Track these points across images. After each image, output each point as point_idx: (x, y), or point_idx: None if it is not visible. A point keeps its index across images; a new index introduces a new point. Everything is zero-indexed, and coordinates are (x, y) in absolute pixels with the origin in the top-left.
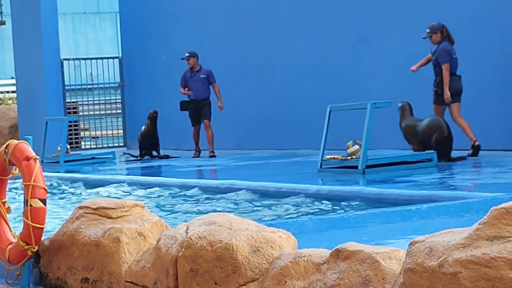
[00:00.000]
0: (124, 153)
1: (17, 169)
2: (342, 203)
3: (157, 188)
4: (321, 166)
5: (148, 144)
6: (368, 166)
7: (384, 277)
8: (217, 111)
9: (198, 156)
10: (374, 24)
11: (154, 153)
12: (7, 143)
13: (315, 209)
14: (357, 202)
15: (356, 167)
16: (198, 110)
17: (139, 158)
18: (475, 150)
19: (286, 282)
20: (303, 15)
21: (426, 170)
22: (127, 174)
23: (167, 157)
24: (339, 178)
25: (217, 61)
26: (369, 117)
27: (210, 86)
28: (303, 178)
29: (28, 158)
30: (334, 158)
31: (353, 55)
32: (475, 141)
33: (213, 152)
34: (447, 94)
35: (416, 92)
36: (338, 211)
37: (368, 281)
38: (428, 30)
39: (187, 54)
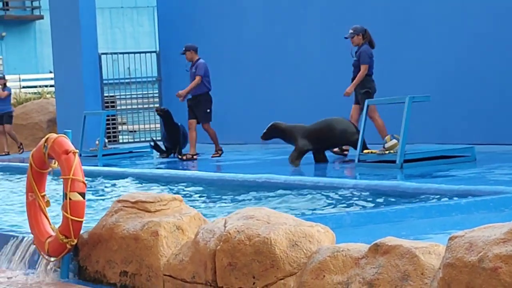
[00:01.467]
0: (152, 140)
1: (56, 163)
2: (380, 197)
3: (194, 182)
4: (358, 161)
5: (171, 144)
6: (406, 161)
7: (423, 272)
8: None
9: (187, 159)
10: (411, 17)
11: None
12: (46, 136)
13: (352, 203)
14: (395, 197)
15: (394, 162)
16: (191, 106)
17: (164, 154)
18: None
19: (324, 276)
20: (338, 8)
21: (464, 165)
22: (164, 168)
23: (191, 157)
24: (377, 173)
25: (253, 54)
26: (407, 111)
27: (206, 82)
28: (340, 172)
29: (67, 152)
30: (371, 152)
31: (390, 49)
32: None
33: (217, 151)
34: (351, 89)
35: (453, 85)
36: (376, 206)
37: (407, 276)
38: (351, 31)
39: (183, 48)
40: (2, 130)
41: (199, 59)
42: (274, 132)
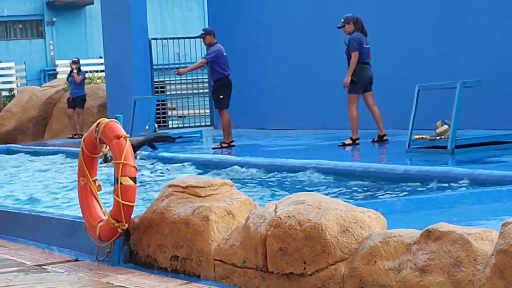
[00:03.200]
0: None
1: (108, 147)
2: (431, 183)
3: (243, 167)
4: (409, 146)
5: None
6: (457, 146)
7: (476, 258)
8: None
9: (221, 147)
10: (461, 1)
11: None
12: (98, 121)
13: (403, 189)
14: (446, 183)
15: (445, 147)
16: (212, 92)
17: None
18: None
19: (375, 262)
20: None
21: None
22: (214, 153)
23: (227, 145)
24: (428, 158)
25: (303, 38)
26: (458, 97)
27: (219, 68)
28: (390, 158)
29: (118, 137)
30: (422, 138)
31: (440, 34)
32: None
33: (224, 142)
34: (348, 79)
35: (505, 70)
36: (426, 192)
37: (459, 262)
38: (342, 20)
39: (202, 32)
40: (72, 113)
41: (216, 43)
42: None
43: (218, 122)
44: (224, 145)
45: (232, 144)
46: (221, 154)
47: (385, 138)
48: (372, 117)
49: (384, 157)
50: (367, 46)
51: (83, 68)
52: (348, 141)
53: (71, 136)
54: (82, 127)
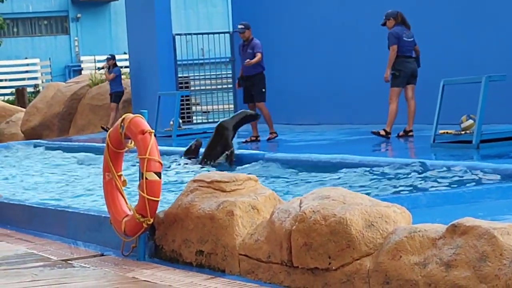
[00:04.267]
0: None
1: (133, 143)
2: (456, 178)
3: (268, 162)
4: (434, 141)
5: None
6: (482, 141)
7: (502, 253)
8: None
9: (251, 141)
10: None
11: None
12: (122, 117)
13: (428, 184)
14: (472, 177)
15: (470, 142)
16: (248, 87)
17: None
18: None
19: (401, 257)
20: None
21: None
22: (238, 149)
23: (255, 139)
24: (453, 153)
25: (326, 34)
26: (483, 91)
27: (261, 61)
28: (416, 152)
29: (143, 132)
30: (447, 132)
31: (466, 28)
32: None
33: (272, 132)
34: (387, 73)
35: None
36: (452, 186)
37: (485, 257)
38: (384, 18)
39: (241, 26)
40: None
41: (253, 38)
42: None
43: None
44: (273, 135)
45: (258, 139)
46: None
47: (410, 133)
48: (407, 110)
49: (409, 152)
50: (409, 40)
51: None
52: (382, 132)
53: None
54: (114, 122)
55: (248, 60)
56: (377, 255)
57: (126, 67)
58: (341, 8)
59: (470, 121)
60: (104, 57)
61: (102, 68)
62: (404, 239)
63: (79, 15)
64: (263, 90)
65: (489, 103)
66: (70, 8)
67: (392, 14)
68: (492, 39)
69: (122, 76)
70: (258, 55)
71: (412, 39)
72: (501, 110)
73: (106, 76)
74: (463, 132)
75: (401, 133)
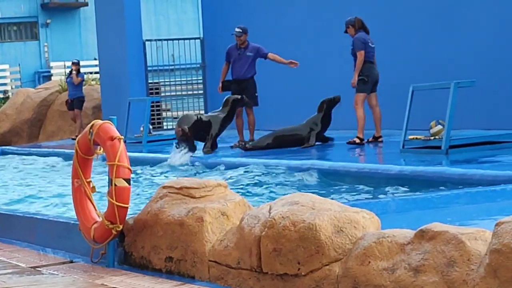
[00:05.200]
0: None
1: (102, 149)
2: (425, 183)
3: (240, 168)
4: (403, 147)
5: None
6: (451, 146)
7: (469, 258)
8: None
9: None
10: (456, 1)
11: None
12: (91, 123)
13: (397, 189)
14: (441, 183)
15: (439, 147)
16: (240, 91)
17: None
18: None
19: (369, 262)
20: None
21: (510, 150)
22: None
23: (242, 145)
24: (422, 159)
25: (298, 41)
26: (452, 97)
27: (255, 65)
28: (385, 158)
29: (112, 138)
30: (416, 138)
31: (435, 34)
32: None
33: (247, 140)
34: (355, 79)
35: (498, 70)
36: (421, 192)
37: (453, 262)
38: (344, 25)
39: (239, 30)
40: (74, 115)
41: (248, 42)
42: None
43: None
44: (240, 144)
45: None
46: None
47: (380, 139)
48: (373, 116)
49: (378, 157)
50: (373, 46)
51: None
52: (357, 140)
53: (75, 137)
54: (80, 128)
55: (293, 61)
56: (346, 260)
57: (96, 73)
58: (312, 15)
59: (439, 127)
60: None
61: (71, 72)
62: (373, 245)
63: (48, 21)
64: (256, 94)
65: (458, 108)
66: (39, 13)
67: (350, 21)
68: (461, 45)
69: (84, 83)
70: (271, 54)
71: (374, 45)
72: (470, 116)
73: (74, 80)
74: (432, 138)
75: (371, 139)
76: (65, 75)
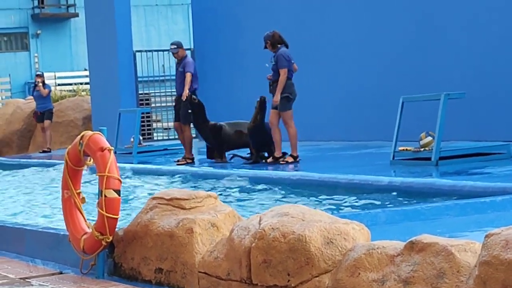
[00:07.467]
0: (234, 155)
1: (92, 160)
2: (415, 195)
3: (228, 180)
4: (393, 158)
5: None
6: (441, 158)
7: (459, 269)
8: None
9: (185, 163)
10: (446, 13)
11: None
12: (81, 134)
13: (387, 201)
14: (431, 194)
15: (429, 159)
16: (178, 108)
17: (251, 160)
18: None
19: (359, 274)
20: (375, 7)
21: (500, 162)
22: (200, 165)
23: (190, 161)
24: (412, 170)
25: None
26: (442, 108)
27: (194, 80)
28: (375, 169)
29: (102, 149)
30: (406, 149)
31: (424, 45)
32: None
33: (184, 158)
34: (277, 97)
35: (488, 82)
36: (411, 203)
37: (442, 274)
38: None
39: (173, 46)
40: (44, 127)
41: (186, 56)
42: None
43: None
44: (189, 160)
45: (189, 161)
46: (207, 166)
47: (297, 159)
48: (288, 136)
49: (368, 169)
50: (293, 62)
51: (68, 81)
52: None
53: (42, 151)
54: (51, 141)
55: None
56: (336, 272)
57: (86, 83)
58: (301, 24)
59: (429, 138)
60: (65, 73)
61: (35, 85)
62: (363, 256)
63: (39, 32)
64: (189, 111)
65: (448, 120)
66: (30, 24)
67: (268, 36)
68: (451, 57)
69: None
70: (187, 76)
71: (293, 61)
72: (460, 127)
73: (42, 92)
74: (422, 149)
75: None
76: (55, 85)
